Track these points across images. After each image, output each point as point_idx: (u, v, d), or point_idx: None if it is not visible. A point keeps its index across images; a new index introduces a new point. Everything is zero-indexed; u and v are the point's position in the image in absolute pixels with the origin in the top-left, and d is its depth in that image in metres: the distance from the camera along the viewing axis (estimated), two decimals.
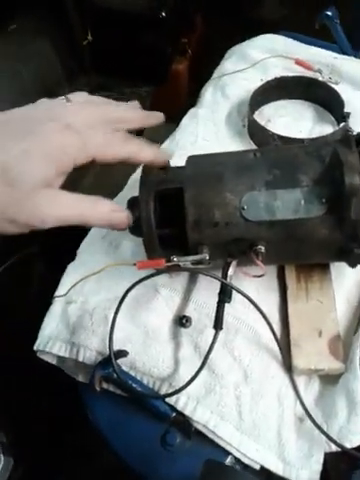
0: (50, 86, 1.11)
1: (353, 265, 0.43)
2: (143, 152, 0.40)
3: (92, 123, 0.38)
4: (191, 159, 0.45)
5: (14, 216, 0.33)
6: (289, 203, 0.40)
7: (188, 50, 1.17)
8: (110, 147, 0.38)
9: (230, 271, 0.43)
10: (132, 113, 0.42)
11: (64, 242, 0.56)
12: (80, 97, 0.41)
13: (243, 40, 0.75)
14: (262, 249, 0.40)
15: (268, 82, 0.62)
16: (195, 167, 0.44)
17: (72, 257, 0.54)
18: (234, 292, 0.43)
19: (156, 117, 0.44)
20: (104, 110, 0.40)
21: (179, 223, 0.42)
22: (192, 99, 1.13)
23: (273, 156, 0.42)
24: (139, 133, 1.00)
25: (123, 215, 0.39)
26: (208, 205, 0.41)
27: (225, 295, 0.42)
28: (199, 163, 0.44)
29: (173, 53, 1.13)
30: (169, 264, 0.42)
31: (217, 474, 0.31)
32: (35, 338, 0.48)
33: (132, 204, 0.46)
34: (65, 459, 0.62)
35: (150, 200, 0.42)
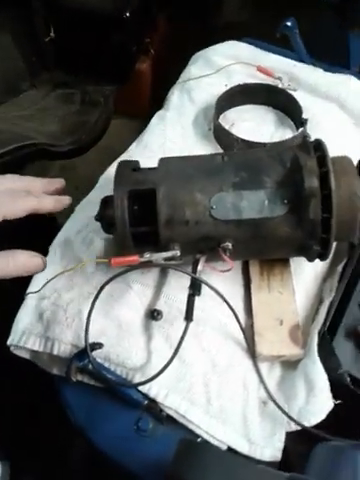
0: (12, 81, 1.10)
1: (311, 259, 0.47)
2: (43, 203, 0.46)
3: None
4: (163, 161, 0.48)
5: None
6: (254, 203, 0.43)
7: (151, 50, 1.19)
8: (15, 205, 0.44)
9: (199, 266, 0.46)
10: (36, 181, 0.48)
11: (34, 238, 0.57)
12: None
13: (205, 41, 0.78)
14: (229, 246, 0.44)
15: (232, 88, 0.66)
16: (167, 169, 0.46)
17: (43, 252, 0.55)
18: (204, 288, 0.46)
19: (58, 182, 0.50)
20: (11, 180, 0.47)
21: (151, 221, 0.45)
22: (154, 98, 1.15)
23: (240, 159, 0.46)
24: (101, 135, 1.02)
25: (38, 260, 0.44)
26: (179, 204, 0.44)
27: (195, 289, 0.45)
28: (170, 165, 0.47)
29: (137, 53, 1.14)
30: (143, 260, 0.44)
31: (191, 450, 0.33)
32: (6, 334, 0.49)
33: (105, 203, 0.48)
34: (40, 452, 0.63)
35: (124, 199, 0.44)
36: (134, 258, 0.44)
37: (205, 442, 0.42)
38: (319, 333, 0.47)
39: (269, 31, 0.79)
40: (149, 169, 0.47)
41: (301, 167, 0.42)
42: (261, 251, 0.46)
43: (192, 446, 0.35)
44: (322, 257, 0.46)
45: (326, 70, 0.72)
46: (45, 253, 0.55)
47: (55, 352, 0.46)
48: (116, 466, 0.44)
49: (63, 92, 1.16)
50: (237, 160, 0.46)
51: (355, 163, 0.46)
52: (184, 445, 0.35)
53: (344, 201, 0.42)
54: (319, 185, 0.41)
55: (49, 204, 0.46)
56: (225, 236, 0.44)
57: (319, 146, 0.44)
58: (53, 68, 1.17)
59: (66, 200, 0.49)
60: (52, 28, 1.09)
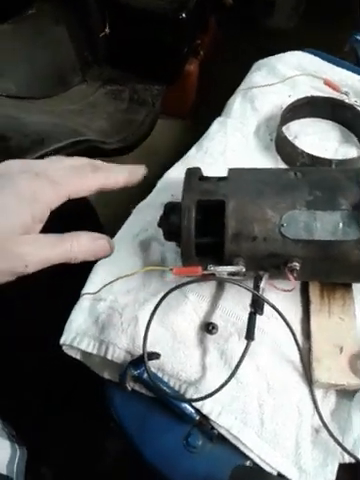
0: (63, 73, 1.10)
1: None
2: (114, 177, 0.42)
3: (63, 167, 0.41)
4: (233, 172, 0.46)
5: None
6: (328, 225, 0.41)
7: (200, 51, 1.18)
8: (81, 182, 0.40)
9: (262, 284, 0.44)
10: (114, 167, 0.44)
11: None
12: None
13: (254, 46, 0.77)
14: (297, 266, 0.42)
15: (299, 100, 0.64)
16: (237, 181, 0.45)
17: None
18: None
19: (140, 169, 0.45)
20: (73, 159, 0.42)
21: (216, 233, 0.44)
22: (199, 100, 1.14)
23: (314, 177, 0.44)
24: (147, 135, 1.02)
25: (104, 242, 0.41)
26: (248, 219, 0.43)
27: (257, 307, 0.44)
28: (241, 177, 0.46)
29: (188, 54, 1.13)
30: (205, 272, 0.43)
31: (248, 477, 0.32)
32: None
33: (171, 210, 0.47)
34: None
35: (192, 209, 0.43)
36: (197, 269, 0.43)
37: (261, 469, 0.41)
38: None
39: (321, 39, 0.77)
40: (218, 179, 0.46)
41: None
42: (328, 274, 0.45)
43: (250, 474, 0.33)
44: None
45: None
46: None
47: (109, 356, 0.46)
48: (161, 478, 0.43)
49: (112, 89, 1.15)
50: (311, 178, 0.44)
51: None
52: (240, 472, 0.34)
53: None
54: None
55: (122, 178, 0.42)
56: (293, 256, 0.42)
57: None
58: (105, 64, 1.17)
59: (141, 170, 0.44)
60: (107, 24, 1.09)
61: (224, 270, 0.43)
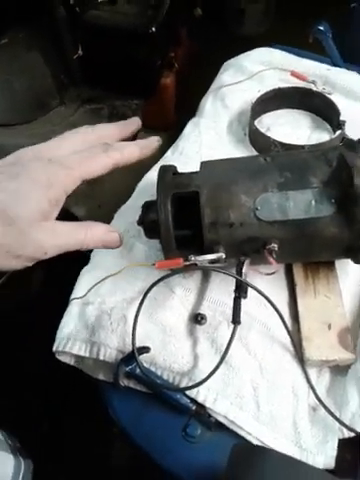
0: (42, 98, 1.12)
1: (358, 261, 0.45)
2: (127, 152, 0.42)
3: (73, 150, 0.41)
4: (205, 164, 0.48)
5: (18, 252, 0.36)
6: (300, 203, 0.42)
7: (175, 64, 1.20)
8: (94, 163, 0.40)
9: (244, 269, 0.45)
10: (109, 127, 0.45)
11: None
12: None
13: (228, 53, 0.79)
14: (275, 247, 0.43)
15: (267, 93, 0.65)
16: (209, 171, 0.46)
17: (80, 260, 0.55)
18: (248, 289, 0.45)
19: (133, 122, 0.46)
20: (83, 135, 0.43)
21: (195, 224, 0.45)
22: (178, 111, 1.16)
23: (283, 160, 0.45)
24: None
25: (115, 235, 0.42)
26: (223, 207, 0.44)
27: (241, 291, 0.44)
28: (213, 168, 0.47)
29: (162, 67, 1.16)
30: (187, 263, 0.44)
31: (248, 454, 0.32)
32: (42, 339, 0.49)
33: (147, 207, 0.48)
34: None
35: (167, 203, 0.44)
36: (178, 261, 0.44)
37: (258, 446, 0.41)
38: None
39: (293, 40, 0.79)
40: (191, 173, 0.47)
41: (349, 166, 0.41)
42: (307, 253, 0.46)
43: (248, 450, 0.34)
44: None
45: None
46: (82, 261, 0.56)
47: (101, 357, 0.46)
48: (164, 472, 0.43)
49: (91, 107, 1.18)
50: (280, 161, 0.45)
51: None
52: (239, 450, 0.34)
53: None
54: None
55: (135, 152, 0.42)
56: (270, 237, 0.43)
57: None
58: (81, 84, 1.20)
59: (154, 141, 0.44)
60: (80, 46, 1.12)
61: (205, 259, 0.44)
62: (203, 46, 1.24)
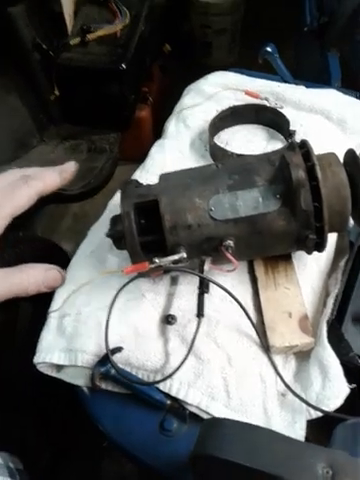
0: (22, 138, 1.18)
1: (310, 251, 0.49)
2: (49, 179, 0.43)
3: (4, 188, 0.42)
4: (163, 176, 0.52)
5: None
6: (249, 201, 0.46)
7: (149, 98, 1.27)
8: (18, 199, 0.41)
9: (206, 267, 0.49)
10: (44, 170, 0.45)
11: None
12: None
13: None
14: (231, 244, 0.47)
15: (223, 111, 0.71)
16: (166, 181, 0.50)
17: None
18: (213, 289, 0.49)
19: (70, 166, 0.47)
20: (11, 175, 0.44)
21: (157, 230, 0.48)
22: (156, 140, 1.22)
23: (232, 165, 0.50)
24: (108, 179, 1.08)
25: (55, 272, 0.42)
26: (181, 210, 0.47)
27: (203, 286, 0.48)
28: (170, 178, 0.51)
29: (136, 101, 1.22)
30: (152, 266, 0.47)
31: (215, 426, 0.35)
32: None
33: (115, 220, 0.52)
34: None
35: (131, 212, 0.48)
36: (144, 264, 0.47)
37: (218, 417, 0.43)
38: (328, 322, 0.49)
39: (260, 66, 0.85)
40: (150, 185, 0.52)
41: (288, 163, 0.45)
42: (262, 248, 0.49)
43: (215, 423, 0.36)
44: (319, 248, 0.48)
45: (308, 87, 0.77)
46: None
47: (79, 363, 0.48)
48: (146, 469, 0.45)
49: (70, 143, 1.23)
50: (229, 166, 0.50)
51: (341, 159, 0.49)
52: (207, 424, 0.37)
53: (332, 191, 0.46)
54: (306, 177, 0.45)
55: (54, 180, 0.42)
56: (226, 235, 0.47)
57: (304, 145, 0.48)
58: (60, 122, 1.26)
59: (71, 167, 0.44)
60: (56, 86, 1.18)
61: (168, 260, 0.47)
62: (175, 78, 1.31)
